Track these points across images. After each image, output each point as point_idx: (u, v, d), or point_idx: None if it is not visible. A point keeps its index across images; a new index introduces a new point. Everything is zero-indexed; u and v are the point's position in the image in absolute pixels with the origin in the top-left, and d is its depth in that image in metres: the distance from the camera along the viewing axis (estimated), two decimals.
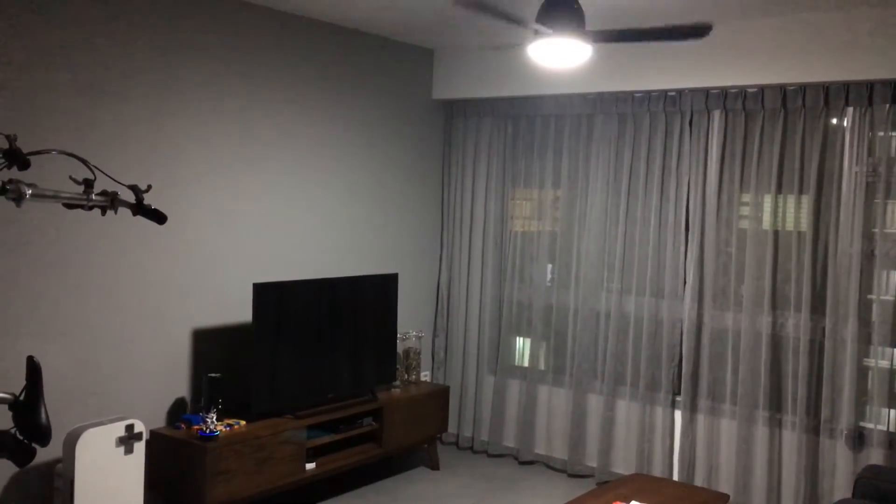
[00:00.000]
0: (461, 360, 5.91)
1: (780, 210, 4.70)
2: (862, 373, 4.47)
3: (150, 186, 2.30)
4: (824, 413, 4.52)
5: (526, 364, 5.71)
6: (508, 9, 3.17)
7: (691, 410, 4.96)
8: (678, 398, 5.03)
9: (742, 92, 4.74)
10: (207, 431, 3.98)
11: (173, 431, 4.12)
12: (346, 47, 5.17)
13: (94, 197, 2.13)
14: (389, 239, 5.60)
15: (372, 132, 5.40)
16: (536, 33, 3.35)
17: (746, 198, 4.81)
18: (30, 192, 1.94)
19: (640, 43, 4.70)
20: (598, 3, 4.22)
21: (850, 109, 4.45)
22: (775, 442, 4.70)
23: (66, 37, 3.76)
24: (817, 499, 4.55)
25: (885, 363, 4.41)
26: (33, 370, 2.01)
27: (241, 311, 4.61)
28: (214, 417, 4.04)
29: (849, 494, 4.30)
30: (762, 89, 4.67)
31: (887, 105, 4.35)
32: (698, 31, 3.44)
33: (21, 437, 2.01)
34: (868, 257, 4.44)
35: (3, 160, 1.94)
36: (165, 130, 4.20)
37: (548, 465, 5.56)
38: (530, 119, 5.65)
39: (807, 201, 4.60)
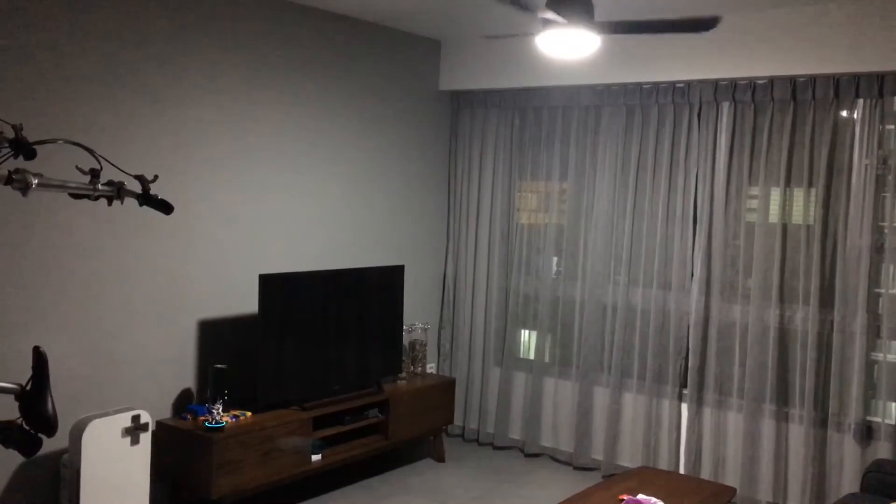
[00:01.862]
0: (467, 352, 5.90)
1: (789, 203, 4.68)
2: (870, 366, 4.45)
3: (156, 176, 2.29)
4: (832, 407, 4.50)
5: (532, 356, 5.70)
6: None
7: (698, 403, 4.95)
8: (685, 391, 5.01)
9: (751, 83, 4.71)
10: (213, 422, 3.98)
11: (179, 422, 4.12)
12: (353, 38, 5.15)
13: (100, 187, 2.13)
14: (396, 230, 5.59)
15: (378, 123, 5.39)
16: (545, 22, 3.33)
17: (755, 190, 4.79)
18: (36, 181, 1.93)
19: (648, 35, 4.67)
20: None
21: (861, 101, 4.42)
22: (782, 435, 4.68)
23: (73, 28, 3.75)
24: (824, 493, 4.53)
25: (893, 357, 4.39)
26: (40, 360, 2.01)
27: (247, 302, 4.61)
28: (220, 408, 4.04)
29: (856, 489, 4.28)
30: (772, 81, 4.63)
31: None
32: (706, 23, 3.43)
33: (27, 428, 2.01)
34: (877, 250, 4.42)
35: (9, 149, 1.93)
36: (172, 120, 4.19)
37: (554, 457, 5.55)
38: (537, 110, 5.63)
39: (816, 194, 4.57)
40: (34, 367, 2.01)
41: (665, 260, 5.08)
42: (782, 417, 4.68)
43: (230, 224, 4.51)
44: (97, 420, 3.59)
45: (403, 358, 5.34)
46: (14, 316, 3.63)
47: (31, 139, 1.97)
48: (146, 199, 2.23)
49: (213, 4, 4.32)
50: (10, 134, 1.94)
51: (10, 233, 3.60)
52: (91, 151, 2.13)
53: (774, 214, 4.71)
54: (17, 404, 2.01)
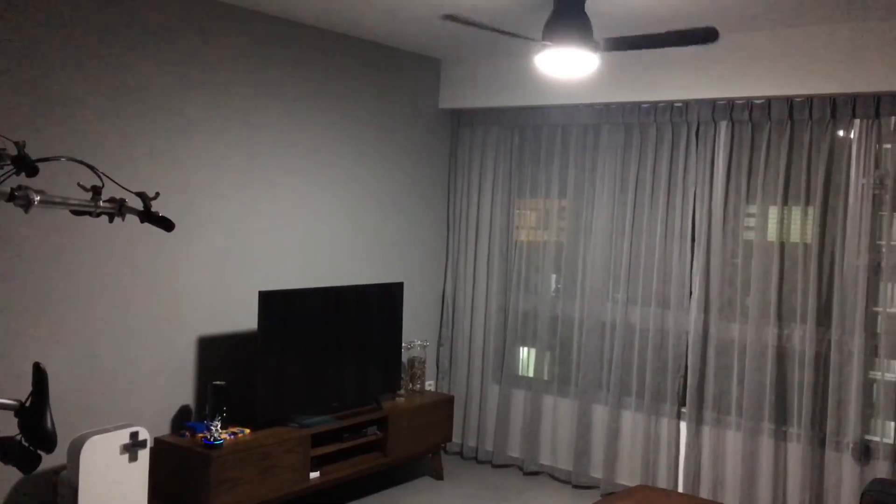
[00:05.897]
0: (466, 370, 5.90)
1: (787, 221, 4.70)
2: (868, 385, 4.45)
3: (157, 194, 2.30)
4: (830, 426, 4.50)
5: (531, 374, 5.70)
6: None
7: (696, 422, 4.94)
8: (683, 409, 5.01)
9: (749, 103, 4.74)
10: (212, 439, 3.98)
11: (178, 439, 4.12)
12: (354, 56, 5.18)
13: (101, 204, 2.13)
14: (395, 248, 5.60)
15: (378, 141, 5.41)
16: (545, 43, 3.36)
17: (752, 209, 4.81)
18: (38, 198, 1.94)
19: (649, 50, 4.70)
20: (603, 11, 4.22)
21: (857, 121, 4.45)
22: (781, 454, 4.67)
23: (76, 46, 3.78)
24: None
25: (891, 376, 4.40)
26: (40, 376, 2.01)
27: (246, 319, 4.62)
28: (219, 425, 4.04)
29: None
30: (769, 101, 4.66)
31: (894, 118, 4.35)
32: (706, 35, 3.39)
33: (27, 444, 2.01)
34: (874, 269, 4.43)
35: (11, 166, 1.95)
36: (173, 138, 4.21)
37: (552, 475, 5.54)
38: (537, 129, 5.66)
39: (813, 213, 4.59)
40: (34, 384, 2.02)
41: (663, 278, 5.09)
42: (780, 436, 4.68)
43: (230, 241, 4.53)
44: (95, 436, 3.59)
45: (402, 375, 5.34)
46: (14, 332, 3.64)
47: (33, 156, 1.98)
48: (148, 216, 2.24)
49: (217, 24, 4.36)
50: (13, 151, 1.95)
51: (10, 250, 3.61)
52: (93, 168, 2.14)
53: (772, 233, 4.73)
54: (16, 420, 2.02)
